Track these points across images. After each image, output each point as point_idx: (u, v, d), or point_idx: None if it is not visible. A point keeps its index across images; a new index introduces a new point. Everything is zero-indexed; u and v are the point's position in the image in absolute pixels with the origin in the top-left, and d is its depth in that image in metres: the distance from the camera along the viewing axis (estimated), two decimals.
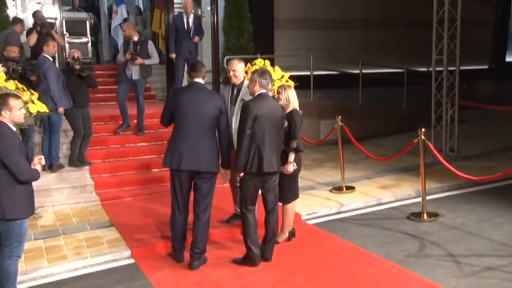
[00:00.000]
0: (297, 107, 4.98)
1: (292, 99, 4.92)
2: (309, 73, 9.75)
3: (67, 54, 7.06)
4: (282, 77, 7.19)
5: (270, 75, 4.70)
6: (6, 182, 3.77)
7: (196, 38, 8.56)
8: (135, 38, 7.76)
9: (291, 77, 7.24)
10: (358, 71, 10.30)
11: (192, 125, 4.52)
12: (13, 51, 6.25)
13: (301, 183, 5.33)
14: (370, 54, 11.57)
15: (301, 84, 7.33)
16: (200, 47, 9.18)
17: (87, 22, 10.55)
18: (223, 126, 4.61)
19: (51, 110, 6.02)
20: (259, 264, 4.69)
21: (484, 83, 11.34)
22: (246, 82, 5.09)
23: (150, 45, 7.96)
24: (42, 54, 6.56)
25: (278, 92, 5.00)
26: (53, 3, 9.72)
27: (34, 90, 5.78)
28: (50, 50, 6.57)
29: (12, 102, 3.85)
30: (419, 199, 6.09)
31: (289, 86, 5.12)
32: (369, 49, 12.22)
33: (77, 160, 6.95)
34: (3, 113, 3.83)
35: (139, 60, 7.67)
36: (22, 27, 7.84)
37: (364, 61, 10.39)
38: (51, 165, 6.76)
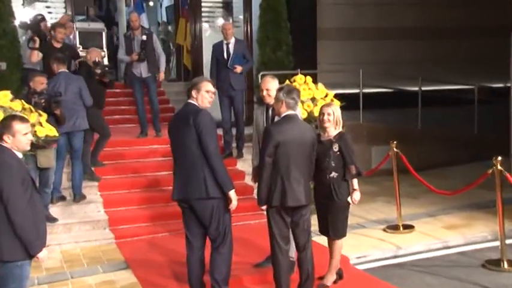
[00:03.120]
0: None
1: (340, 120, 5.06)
2: (357, 91, 9.76)
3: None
4: (326, 96, 7.17)
5: (298, 93, 4.71)
6: (5, 217, 3.69)
7: (238, 68, 7.97)
8: (144, 38, 8.31)
9: (336, 96, 7.21)
10: (417, 88, 10.26)
11: (177, 151, 4.66)
12: (41, 82, 6.44)
13: (349, 220, 5.27)
14: (432, 69, 11.43)
15: (348, 103, 7.27)
16: None
17: (103, 33, 10.87)
18: (205, 146, 4.46)
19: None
20: None
21: None
22: None
23: (156, 41, 8.55)
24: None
25: (322, 113, 5.02)
26: (65, 12, 10.04)
27: (59, 123, 6.22)
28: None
29: (17, 126, 3.80)
30: (497, 243, 5.84)
31: (335, 105, 5.19)
32: (431, 62, 12.08)
33: (91, 164, 7.34)
34: (5, 137, 3.78)
35: (161, 76, 8.56)
36: None
37: (425, 76, 10.30)
38: (74, 196, 6.91)
